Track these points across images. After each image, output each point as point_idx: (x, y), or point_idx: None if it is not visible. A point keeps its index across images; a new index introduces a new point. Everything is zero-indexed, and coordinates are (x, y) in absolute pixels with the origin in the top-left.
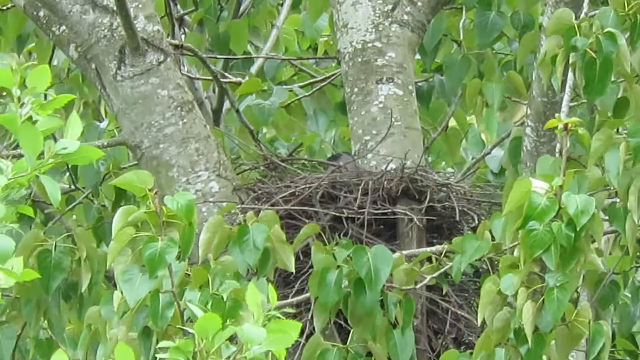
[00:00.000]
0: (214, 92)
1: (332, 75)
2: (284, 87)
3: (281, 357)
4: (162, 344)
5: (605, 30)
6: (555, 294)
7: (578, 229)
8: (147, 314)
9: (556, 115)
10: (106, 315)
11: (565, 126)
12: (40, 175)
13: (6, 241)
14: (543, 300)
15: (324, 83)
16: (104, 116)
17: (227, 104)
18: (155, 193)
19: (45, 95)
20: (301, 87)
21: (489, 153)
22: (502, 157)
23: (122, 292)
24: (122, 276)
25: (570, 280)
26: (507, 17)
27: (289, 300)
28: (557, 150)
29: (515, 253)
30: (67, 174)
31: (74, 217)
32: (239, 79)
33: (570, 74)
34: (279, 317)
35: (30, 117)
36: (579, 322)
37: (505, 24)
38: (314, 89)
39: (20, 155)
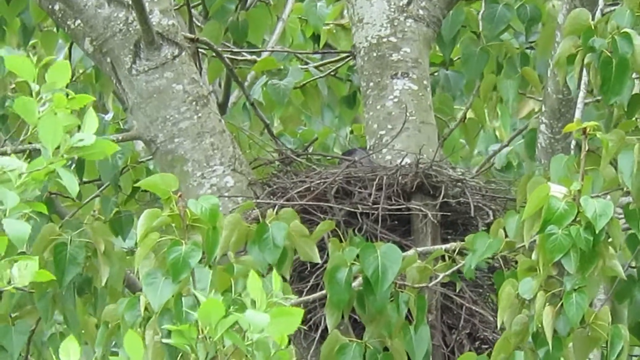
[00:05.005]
0: (219, 86)
1: (347, 56)
2: (300, 67)
3: (283, 343)
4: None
5: (621, 30)
6: (574, 298)
7: (597, 232)
8: (171, 317)
9: (575, 119)
10: (130, 320)
11: (584, 130)
12: (57, 168)
13: (22, 226)
14: (562, 304)
15: (339, 65)
16: (110, 110)
17: (232, 98)
18: (180, 196)
19: (67, 94)
20: (316, 67)
21: (506, 145)
22: (509, 152)
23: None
24: (145, 280)
25: (589, 285)
26: (515, 9)
27: (304, 297)
28: (572, 147)
29: (533, 256)
30: (72, 167)
31: (94, 211)
32: (254, 56)
33: (584, 71)
34: (281, 304)
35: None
36: (597, 325)
37: (513, 16)
38: (328, 71)
39: (30, 151)
